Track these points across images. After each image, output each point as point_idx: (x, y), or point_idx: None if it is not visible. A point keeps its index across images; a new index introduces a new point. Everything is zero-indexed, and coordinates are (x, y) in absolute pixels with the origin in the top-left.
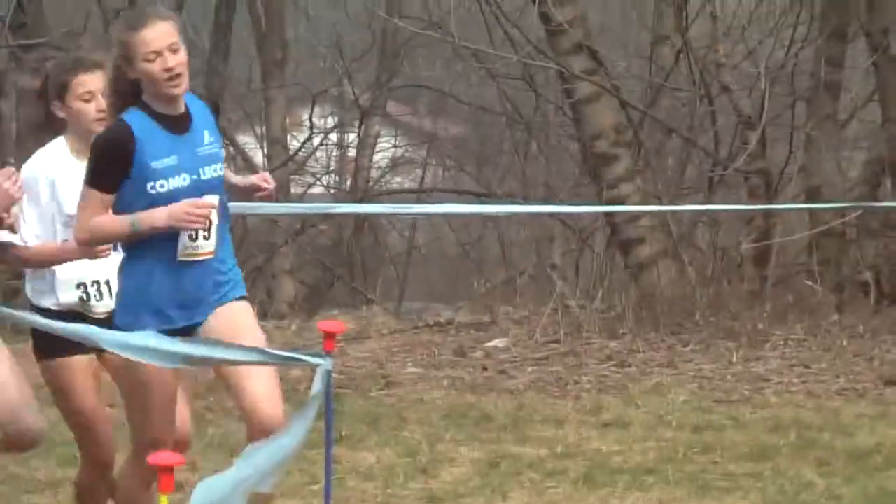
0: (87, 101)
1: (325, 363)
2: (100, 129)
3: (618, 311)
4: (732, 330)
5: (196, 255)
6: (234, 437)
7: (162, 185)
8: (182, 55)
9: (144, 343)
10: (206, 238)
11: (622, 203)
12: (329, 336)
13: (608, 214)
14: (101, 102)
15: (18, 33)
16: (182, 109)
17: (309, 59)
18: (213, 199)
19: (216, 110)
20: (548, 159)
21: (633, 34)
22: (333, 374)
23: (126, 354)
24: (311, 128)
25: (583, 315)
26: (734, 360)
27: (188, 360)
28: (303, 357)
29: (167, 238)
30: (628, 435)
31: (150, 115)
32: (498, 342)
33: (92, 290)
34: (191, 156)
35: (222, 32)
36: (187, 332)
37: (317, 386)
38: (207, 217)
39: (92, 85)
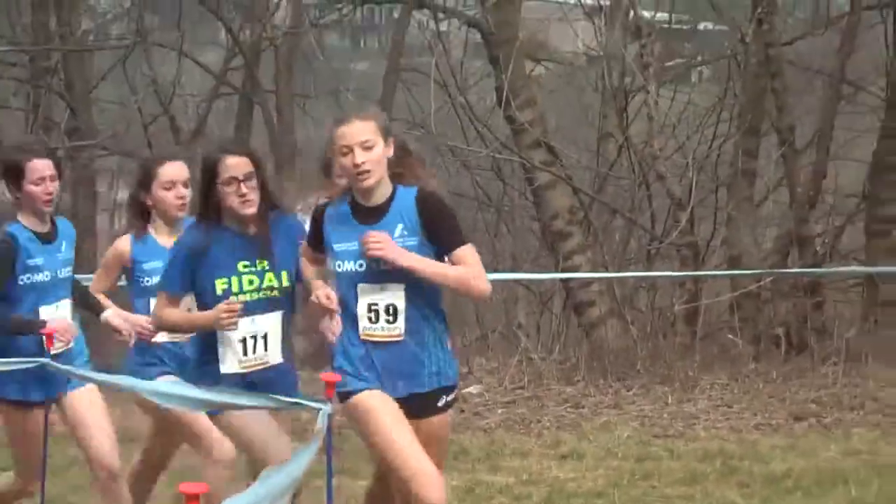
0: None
1: (325, 408)
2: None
3: (573, 362)
4: (668, 376)
5: (377, 336)
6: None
7: (339, 266)
8: (375, 153)
9: (171, 390)
10: (389, 322)
11: (575, 271)
12: (329, 385)
13: (564, 281)
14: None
15: (73, 136)
16: (379, 201)
17: (315, 154)
18: (398, 287)
19: (431, 208)
20: (513, 236)
21: (583, 132)
22: (336, 416)
23: (158, 401)
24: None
25: (543, 365)
26: (669, 401)
27: (206, 404)
28: (307, 402)
29: (354, 318)
30: (582, 465)
31: (350, 203)
32: (473, 388)
33: None
34: None
35: (242, 134)
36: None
37: (318, 425)
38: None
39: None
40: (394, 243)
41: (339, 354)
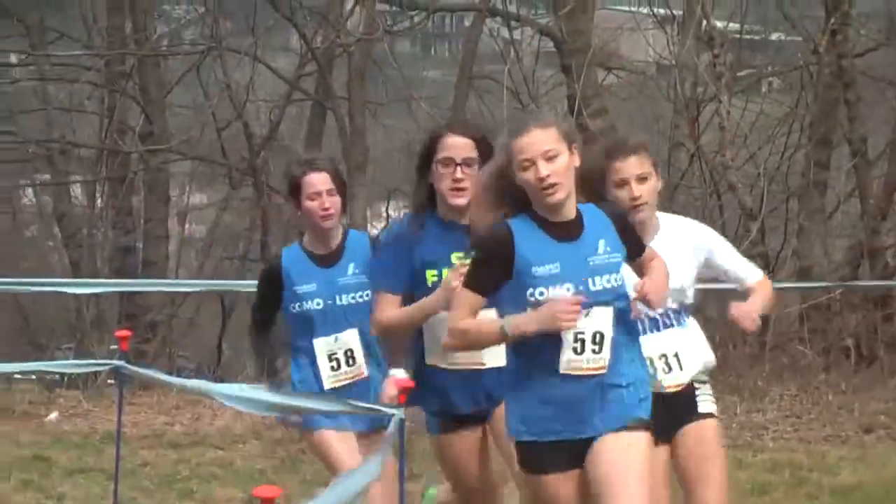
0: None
1: (398, 413)
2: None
3: None
4: (737, 386)
5: (581, 369)
6: (324, 474)
7: (542, 294)
8: (560, 163)
9: (241, 393)
10: (595, 352)
11: None
12: (402, 391)
13: None
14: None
15: (147, 140)
16: (572, 216)
17: (385, 161)
18: (606, 311)
19: (626, 222)
20: None
21: (655, 141)
22: (407, 422)
23: (228, 403)
24: (388, 218)
25: None
26: (738, 411)
27: (277, 408)
28: (380, 407)
29: (553, 350)
30: None
31: (536, 220)
32: None
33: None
34: (578, 265)
35: (314, 141)
36: (577, 447)
37: (391, 430)
38: (575, 316)
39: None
40: (654, 282)
41: (523, 402)
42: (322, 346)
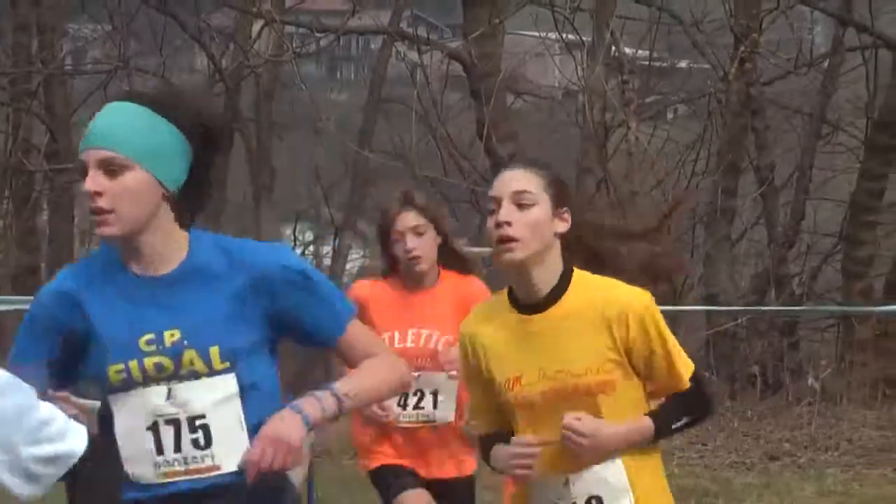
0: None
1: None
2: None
3: None
4: None
5: None
6: None
7: None
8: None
9: None
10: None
11: None
12: None
13: None
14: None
15: (52, 159)
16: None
17: (292, 184)
18: None
19: None
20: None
21: (563, 166)
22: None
23: None
24: (294, 241)
25: None
26: None
27: None
28: None
29: None
30: None
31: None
32: None
33: None
34: None
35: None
36: None
37: None
38: None
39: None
40: None
41: None
42: None
